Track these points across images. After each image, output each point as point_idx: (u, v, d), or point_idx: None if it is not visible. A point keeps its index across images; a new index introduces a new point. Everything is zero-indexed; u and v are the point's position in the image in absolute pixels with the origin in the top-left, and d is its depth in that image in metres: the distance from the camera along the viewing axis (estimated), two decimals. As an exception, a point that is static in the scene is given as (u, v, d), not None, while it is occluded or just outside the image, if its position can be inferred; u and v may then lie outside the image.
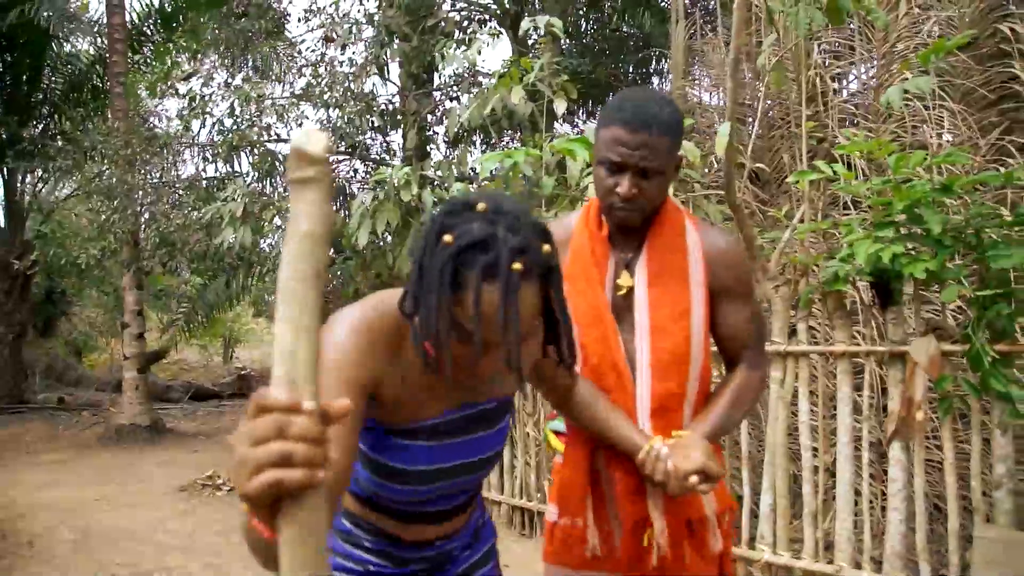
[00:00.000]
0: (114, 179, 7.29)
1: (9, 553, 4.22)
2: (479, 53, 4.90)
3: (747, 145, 4.35)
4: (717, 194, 4.52)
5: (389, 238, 5.49)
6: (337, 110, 6.26)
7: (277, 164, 7.68)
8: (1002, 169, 3.79)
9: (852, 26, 4.87)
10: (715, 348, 1.70)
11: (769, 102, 4.93)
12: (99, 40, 10.65)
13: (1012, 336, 2.78)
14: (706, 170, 5.03)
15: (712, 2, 7.73)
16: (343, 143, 7.19)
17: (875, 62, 4.81)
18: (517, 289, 1.03)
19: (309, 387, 0.65)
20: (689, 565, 1.58)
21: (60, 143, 11.09)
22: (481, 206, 1.07)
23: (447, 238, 1.04)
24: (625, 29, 10.21)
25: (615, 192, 1.51)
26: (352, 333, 1.12)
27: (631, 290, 1.59)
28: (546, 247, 1.09)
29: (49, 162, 9.89)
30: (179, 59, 8.31)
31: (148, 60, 10.99)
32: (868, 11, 3.46)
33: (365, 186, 8.06)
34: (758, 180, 4.99)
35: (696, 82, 6.11)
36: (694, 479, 1.41)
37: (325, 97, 6.11)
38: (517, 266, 1.02)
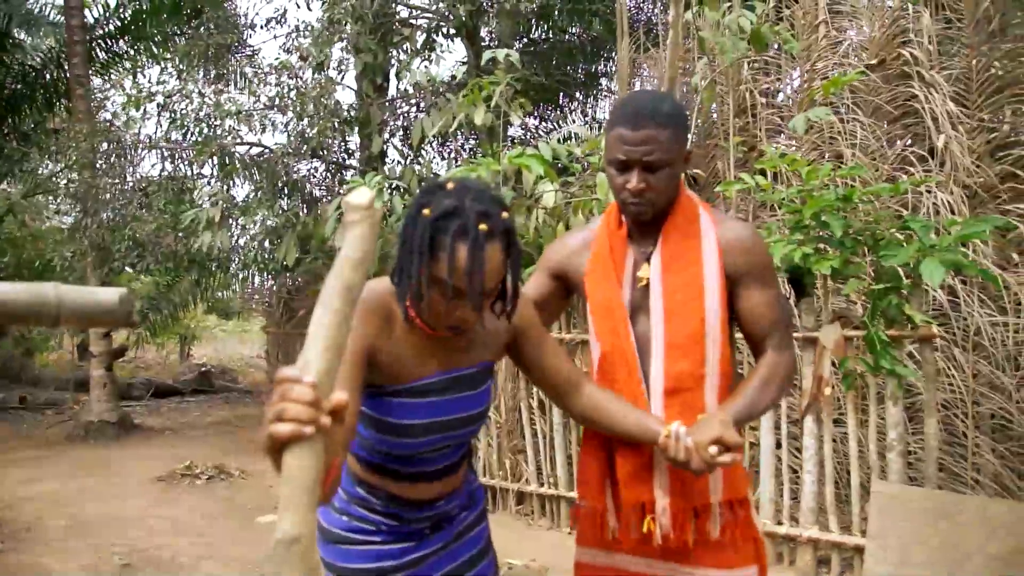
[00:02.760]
0: (81, 184, 7.47)
1: (8, 538, 4.50)
2: (438, 65, 5.27)
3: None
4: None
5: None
6: (306, 119, 6.58)
7: (239, 166, 7.97)
8: (905, 177, 4.36)
9: (778, 45, 5.39)
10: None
11: (703, 118, 5.43)
12: (56, 40, 10.70)
13: (901, 323, 3.30)
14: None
15: (653, 16, 8.25)
16: (305, 146, 7.48)
17: (799, 78, 5.34)
18: (483, 246, 1.28)
19: (317, 367, 0.82)
20: (719, 553, 1.61)
21: (15, 143, 11.12)
22: (450, 185, 1.34)
23: (425, 211, 1.30)
24: (574, 32, 10.64)
25: (625, 188, 1.58)
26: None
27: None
28: (504, 214, 1.33)
29: (3, 162, 9.94)
30: (166, 74, 8.49)
31: (112, 63, 10.99)
32: (785, 40, 3.97)
33: (323, 185, 8.42)
34: (696, 184, 5.49)
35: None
36: (713, 450, 1.42)
37: (298, 109, 6.43)
38: (483, 227, 1.28)
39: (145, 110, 7.01)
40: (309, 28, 6.86)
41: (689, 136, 1.65)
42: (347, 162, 8.66)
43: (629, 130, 1.53)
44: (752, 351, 1.70)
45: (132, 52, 11.08)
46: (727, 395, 1.62)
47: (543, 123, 10.29)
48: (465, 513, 1.66)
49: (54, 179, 11.49)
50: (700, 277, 1.61)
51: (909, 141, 4.65)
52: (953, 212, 4.18)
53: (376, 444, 1.48)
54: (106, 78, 11.45)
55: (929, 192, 4.32)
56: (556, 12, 9.19)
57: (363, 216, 0.95)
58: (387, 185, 4.74)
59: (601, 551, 1.70)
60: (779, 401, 1.84)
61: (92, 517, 5.04)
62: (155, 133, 7.78)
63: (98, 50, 11.01)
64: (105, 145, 7.52)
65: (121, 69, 11.21)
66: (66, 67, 9.99)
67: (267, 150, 7.43)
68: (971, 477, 4.03)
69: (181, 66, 7.83)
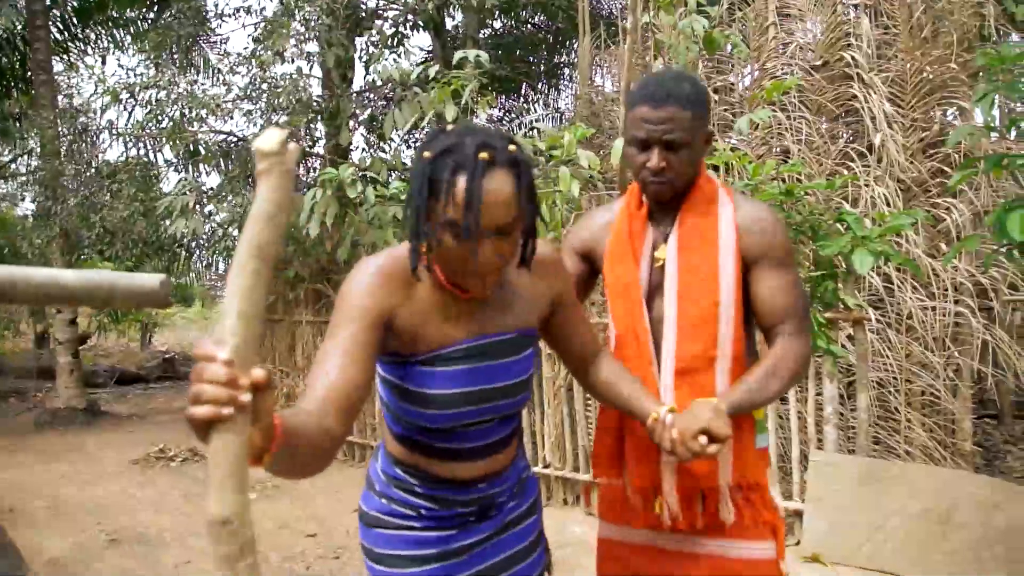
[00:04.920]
0: (48, 171, 7.50)
1: (-7, 519, 4.64)
2: (407, 59, 5.45)
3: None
4: (617, 193, 5.27)
5: (329, 228, 6.03)
6: (279, 111, 6.70)
7: (207, 154, 8.06)
8: (846, 171, 4.70)
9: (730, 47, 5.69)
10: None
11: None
12: (10, 22, 10.52)
13: (836, 307, 3.63)
14: (614, 169, 5.78)
15: (614, 10, 8.51)
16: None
17: (750, 76, 5.66)
18: (483, 173, 1.18)
19: (233, 340, 0.76)
20: (738, 530, 1.60)
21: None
22: (451, 127, 1.27)
23: (425, 154, 1.23)
24: (537, 24, 10.85)
25: (646, 167, 1.57)
26: (366, 273, 1.31)
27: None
28: (511, 146, 1.23)
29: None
30: (142, 64, 8.48)
31: (70, 46, 10.86)
32: (734, 45, 4.26)
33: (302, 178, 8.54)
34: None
35: (600, 88, 6.87)
36: (703, 440, 1.40)
37: (272, 102, 6.54)
38: (483, 155, 1.18)
39: (118, 98, 7.02)
40: (275, 21, 6.96)
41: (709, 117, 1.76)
42: (313, 150, 8.80)
43: (651, 109, 1.54)
44: (765, 338, 1.65)
45: (93, 36, 10.98)
46: (739, 377, 1.59)
47: (507, 114, 10.50)
48: (514, 503, 1.55)
49: (13, 165, 11.34)
50: (715, 258, 1.60)
51: (850, 138, 4.99)
52: (889, 205, 4.53)
53: (403, 414, 1.40)
54: (63, 59, 11.32)
55: (867, 186, 4.66)
56: (520, 6, 9.40)
57: (273, 163, 0.81)
58: (359, 175, 4.93)
59: (624, 527, 1.71)
60: (787, 391, 1.80)
61: (72, 499, 5.17)
62: (116, 119, 7.79)
63: (55, 31, 10.87)
64: (66, 130, 7.53)
65: (79, 52, 11.10)
66: (27, 52, 9.88)
67: (237, 138, 7.53)
68: (903, 449, 4.39)
69: (152, 56, 7.86)
